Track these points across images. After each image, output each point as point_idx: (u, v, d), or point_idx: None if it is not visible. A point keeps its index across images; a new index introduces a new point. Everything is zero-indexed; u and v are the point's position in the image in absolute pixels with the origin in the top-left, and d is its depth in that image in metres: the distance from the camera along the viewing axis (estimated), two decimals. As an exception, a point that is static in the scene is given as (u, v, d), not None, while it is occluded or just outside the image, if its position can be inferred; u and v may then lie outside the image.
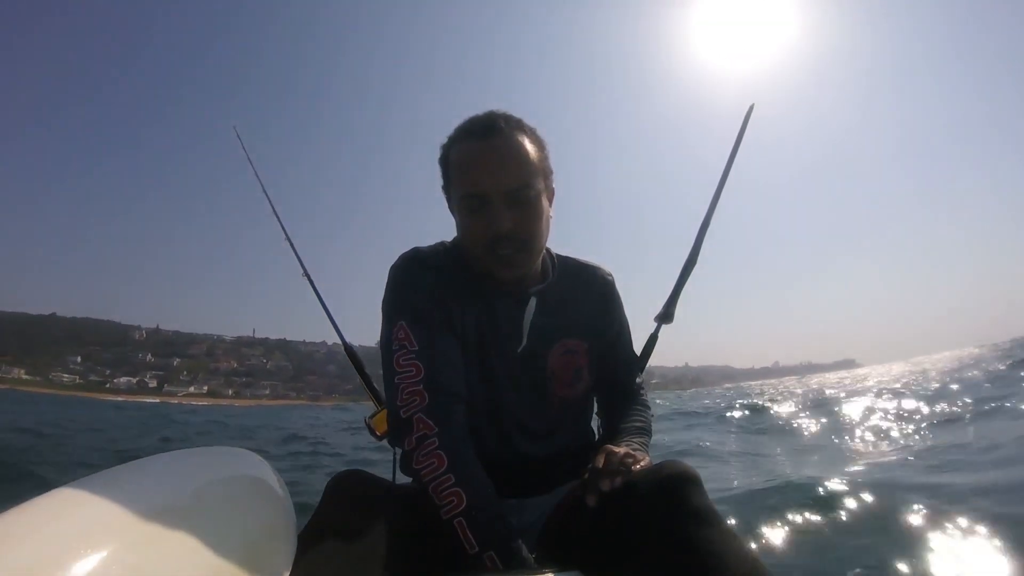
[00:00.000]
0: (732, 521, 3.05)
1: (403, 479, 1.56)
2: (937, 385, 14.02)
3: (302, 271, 2.70)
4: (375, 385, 2.06)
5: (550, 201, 1.51)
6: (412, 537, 1.23)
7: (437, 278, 1.50)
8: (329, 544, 1.10)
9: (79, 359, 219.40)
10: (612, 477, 1.23)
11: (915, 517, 3.06)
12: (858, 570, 2.57)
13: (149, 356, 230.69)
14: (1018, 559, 2.52)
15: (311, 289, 2.69)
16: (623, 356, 1.74)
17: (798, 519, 3.22)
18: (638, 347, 1.90)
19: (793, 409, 11.51)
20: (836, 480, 3.76)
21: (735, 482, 4.29)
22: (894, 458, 5.27)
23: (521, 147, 1.41)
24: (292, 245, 2.71)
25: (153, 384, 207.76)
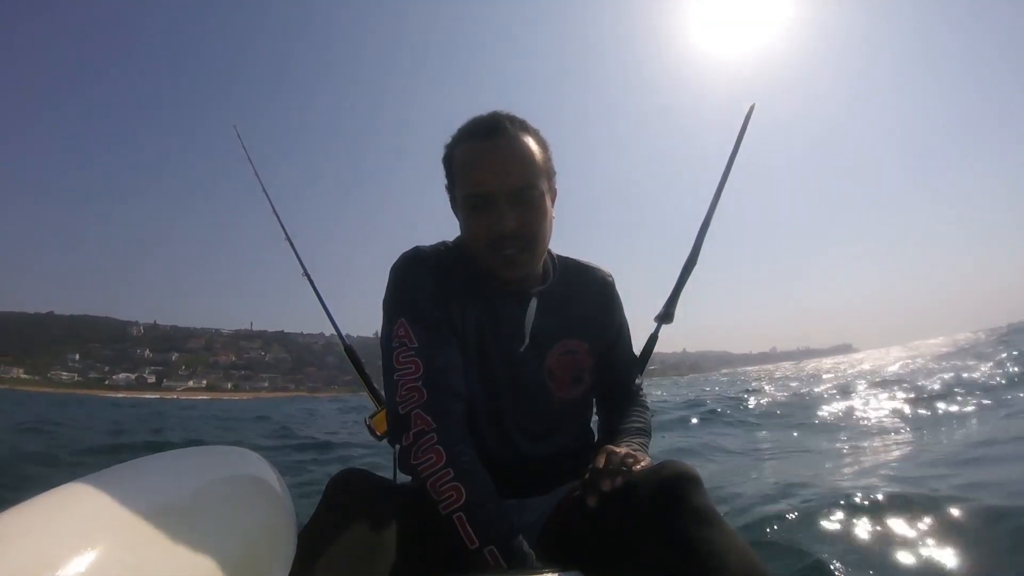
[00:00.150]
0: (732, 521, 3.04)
1: (404, 478, 1.57)
2: (925, 375, 13.96)
3: (302, 271, 2.70)
4: (375, 385, 2.06)
5: (552, 201, 1.51)
6: (413, 536, 1.22)
7: (438, 277, 1.50)
8: (329, 544, 1.10)
9: (78, 357, 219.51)
10: (612, 477, 1.24)
11: (909, 517, 3.07)
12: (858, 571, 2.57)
13: (147, 352, 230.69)
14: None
15: (311, 289, 2.68)
16: (623, 357, 1.74)
17: (801, 520, 3.22)
18: (638, 347, 1.89)
19: (776, 403, 11.43)
20: (838, 482, 3.77)
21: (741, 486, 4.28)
22: (893, 455, 5.27)
23: (525, 147, 1.41)
24: (292, 245, 2.70)
25: (152, 380, 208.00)
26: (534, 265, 1.51)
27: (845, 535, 2.94)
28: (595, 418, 1.76)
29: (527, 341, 1.53)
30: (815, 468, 4.83)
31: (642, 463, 1.30)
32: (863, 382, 14.41)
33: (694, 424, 8.93)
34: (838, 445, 6.11)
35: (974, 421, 6.49)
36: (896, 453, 5.34)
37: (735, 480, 4.40)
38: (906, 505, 3.16)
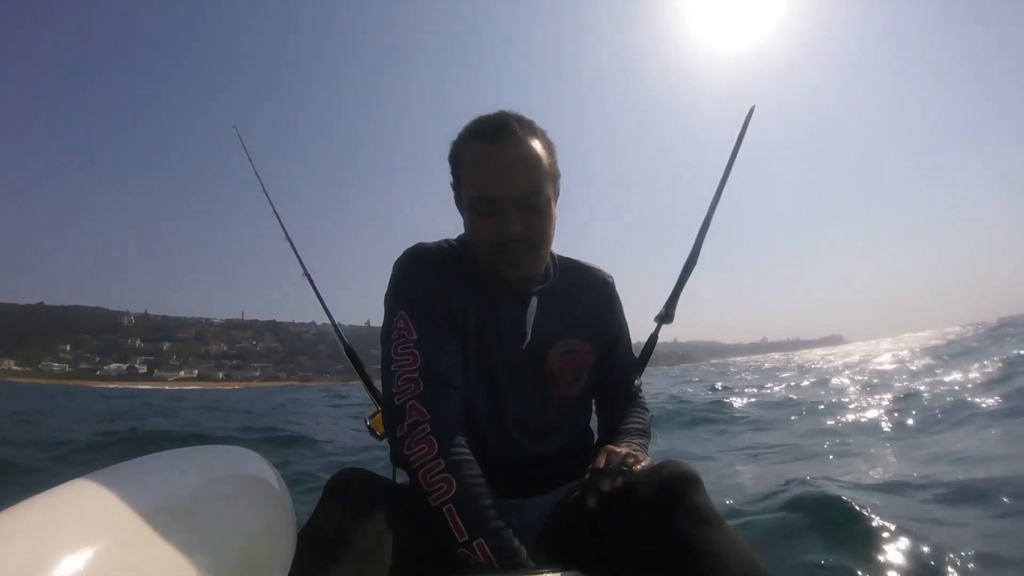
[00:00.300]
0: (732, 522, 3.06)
1: (403, 478, 1.57)
2: (902, 373, 14.05)
3: (302, 271, 2.68)
4: (375, 385, 2.05)
5: (555, 202, 1.50)
6: (412, 536, 1.22)
7: (440, 274, 1.50)
8: (329, 543, 1.10)
9: (68, 348, 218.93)
10: (612, 477, 1.24)
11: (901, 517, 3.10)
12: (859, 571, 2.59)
13: (138, 342, 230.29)
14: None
15: (311, 289, 2.66)
16: (623, 358, 1.74)
17: (799, 522, 3.24)
18: (637, 347, 1.90)
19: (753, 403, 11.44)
20: (836, 483, 3.78)
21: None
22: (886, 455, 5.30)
23: (533, 152, 1.40)
24: (292, 245, 2.68)
25: (143, 370, 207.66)
26: (538, 267, 1.52)
27: (844, 535, 2.96)
28: (595, 419, 1.76)
29: (528, 339, 1.53)
30: (802, 468, 4.86)
31: (642, 463, 1.31)
32: (845, 378, 14.67)
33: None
34: (816, 441, 6.13)
35: (953, 423, 6.39)
36: (874, 451, 5.39)
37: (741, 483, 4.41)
38: (899, 506, 3.21)
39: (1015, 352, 12.93)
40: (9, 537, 0.75)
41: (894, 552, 2.68)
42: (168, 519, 0.90)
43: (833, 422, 7.27)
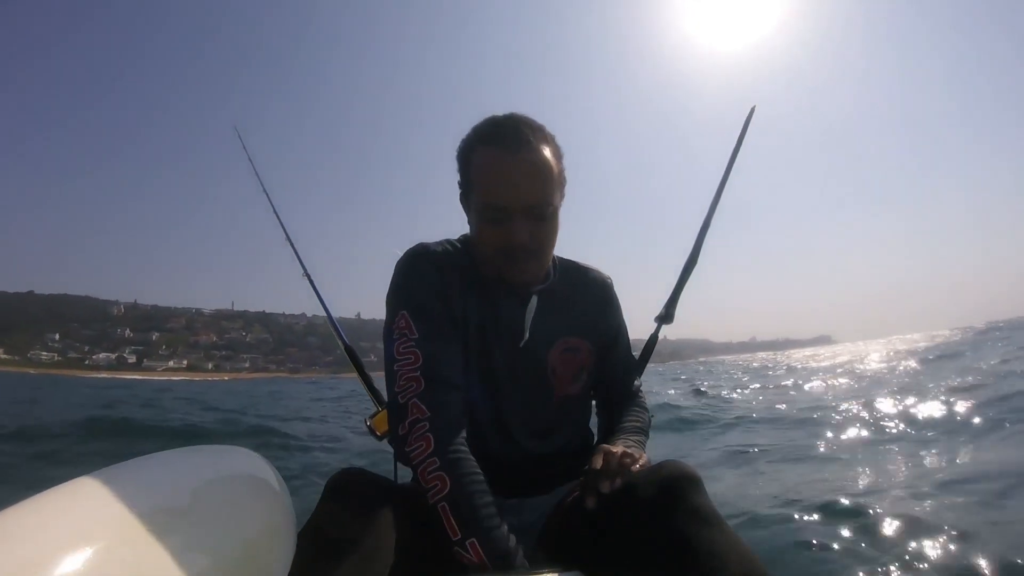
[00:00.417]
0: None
1: (403, 478, 1.56)
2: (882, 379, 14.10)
3: (302, 271, 2.66)
4: (375, 386, 2.05)
5: (560, 209, 1.51)
6: (412, 536, 1.21)
7: (441, 274, 1.50)
8: (329, 543, 1.09)
9: (57, 337, 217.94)
10: (611, 478, 1.24)
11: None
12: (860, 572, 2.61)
13: (128, 331, 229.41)
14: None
15: (312, 290, 2.64)
16: (622, 358, 1.74)
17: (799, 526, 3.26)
18: (637, 347, 1.90)
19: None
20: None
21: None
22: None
23: (545, 163, 1.40)
24: (292, 245, 2.67)
25: (132, 360, 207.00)
26: (540, 272, 1.53)
27: (841, 537, 2.99)
28: (595, 419, 1.76)
29: (527, 336, 1.53)
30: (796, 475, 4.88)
31: (640, 462, 1.31)
32: (821, 380, 14.93)
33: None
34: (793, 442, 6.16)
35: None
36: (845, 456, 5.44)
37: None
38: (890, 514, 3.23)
39: (991, 361, 13.19)
40: (9, 537, 0.75)
41: (893, 553, 2.72)
42: (168, 519, 0.91)
43: (811, 429, 7.20)
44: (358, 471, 1.31)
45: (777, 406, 9.65)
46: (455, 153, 1.51)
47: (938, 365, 15.89)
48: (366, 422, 1.80)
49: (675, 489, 1.15)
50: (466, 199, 1.51)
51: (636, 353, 1.89)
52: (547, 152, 1.42)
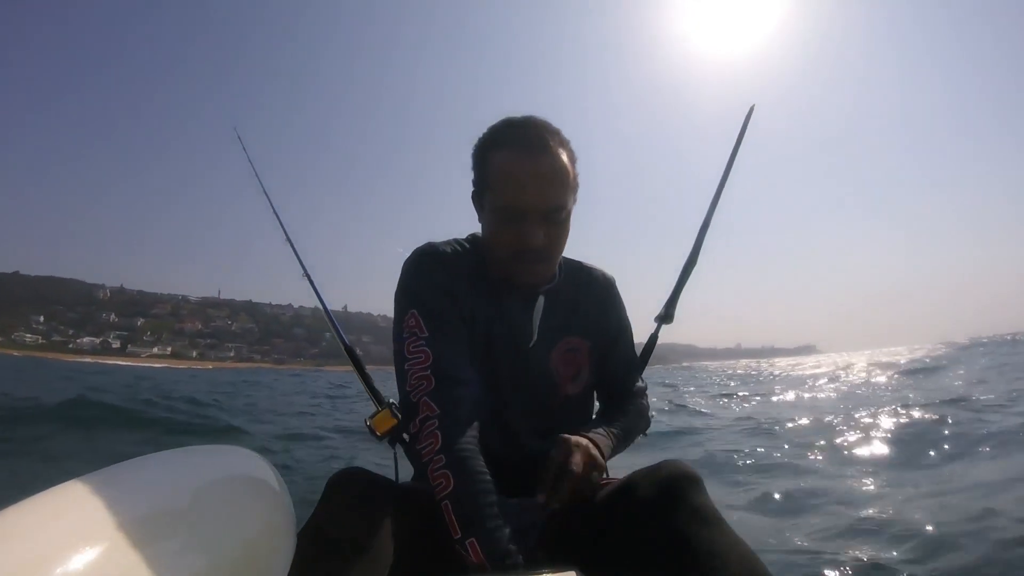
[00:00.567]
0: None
1: (404, 478, 1.57)
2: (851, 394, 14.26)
3: (302, 272, 2.65)
4: (375, 386, 2.05)
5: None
6: (413, 536, 1.22)
7: (449, 273, 1.51)
8: (329, 543, 1.10)
9: (42, 319, 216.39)
10: (561, 499, 1.28)
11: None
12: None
13: (113, 316, 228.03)
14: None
15: (312, 290, 2.62)
16: (623, 356, 1.75)
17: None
18: (638, 348, 1.90)
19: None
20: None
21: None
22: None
23: (563, 167, 1.42)
24: (292, 245, 2.65)
25: (117, 345, 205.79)
26: (549, 274, 1.54)
27: (840, 539, 3.03)
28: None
29: (535, 338, 1.55)
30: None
31: (600, 479, 1.34)
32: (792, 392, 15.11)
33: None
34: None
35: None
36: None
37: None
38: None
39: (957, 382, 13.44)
40: (9, 537, 0.76)
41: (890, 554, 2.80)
42: (168, 519, 0.91)
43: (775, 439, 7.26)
44: (358, 471, 1.31)
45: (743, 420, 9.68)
46: (471, 151, 1.52)
47: (910, 380, 16.29)
48: (366, 422, 1.79)
49: (675, 489, 1.16)
50: (479, 198, 1.52)
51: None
52: (564, 156, 1.43)
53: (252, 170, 2.75)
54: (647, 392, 1.79)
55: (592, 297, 1.68)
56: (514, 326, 1.54)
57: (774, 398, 14.09)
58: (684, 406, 11.82)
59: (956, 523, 3.23)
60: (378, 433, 1.76)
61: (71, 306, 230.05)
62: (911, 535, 3.13)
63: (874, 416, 7.67)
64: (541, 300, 1.56)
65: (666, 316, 2.00)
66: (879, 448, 5.85)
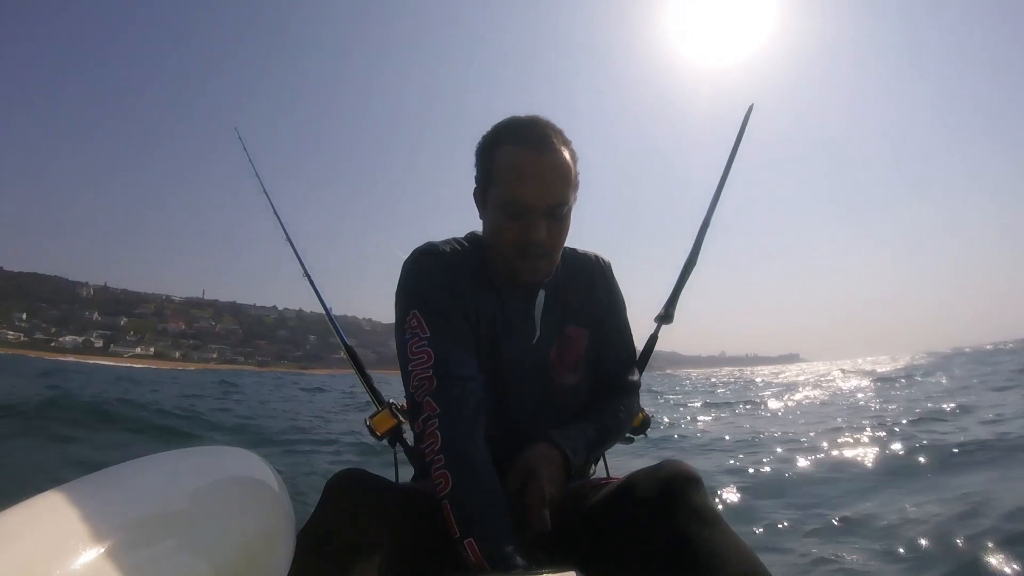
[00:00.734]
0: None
1: (404, 478, 1.57)
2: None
3: (302, 272, 2.64)
4: (375, 386, 2.06)
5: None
6: (412, 536, 1.23)
7: (449, 271, 1.52)
8: (329, 544, 1.10)
9: (24, 316, 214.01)
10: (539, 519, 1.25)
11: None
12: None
13: (96, 315, 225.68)
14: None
15: (312, 290, 2.61)
16: (617, 340, 1.72)
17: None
18: (638, 349, 1.91)
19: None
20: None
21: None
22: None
23: (566, 164, 1.44)
24: (293, 245, 2.65)
25: (99, 344, 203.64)
26: (550, 269, 1.55)
27: (840, 538, 3.06)
28: None
29: (539, 333, 1.57)
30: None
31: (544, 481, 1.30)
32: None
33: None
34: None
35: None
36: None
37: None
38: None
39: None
40: (8, 538, 0.76)
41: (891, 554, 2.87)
42: (167, 521, 0.91)
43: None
44: (358, 471, 1.32)
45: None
46: (475, 148, 1.54)
47: (890, 389, 16.49)
48: (366, 422, 1.80)
49: (675, 489, 1.17)
50: (483, 194, 1.53)
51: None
52: (567, 154, 1.45)
53: (253, 170, 2.75)
54: (639, 390, 1.75)
55: (589, 283, 1.68)
56: (517, 323, 1.56)
57: (759, 406, 14.14)
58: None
59: (941, 528, 3.31)
60: (378, 433, 1.76)
61: (54, 303, 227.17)
62: (901, 540, 3.21)
63: (855, 424, 7.79)
64: (542, 295, 1.57)
65: (666, 316, 2.02)
66: (864, 453, 5.91)
